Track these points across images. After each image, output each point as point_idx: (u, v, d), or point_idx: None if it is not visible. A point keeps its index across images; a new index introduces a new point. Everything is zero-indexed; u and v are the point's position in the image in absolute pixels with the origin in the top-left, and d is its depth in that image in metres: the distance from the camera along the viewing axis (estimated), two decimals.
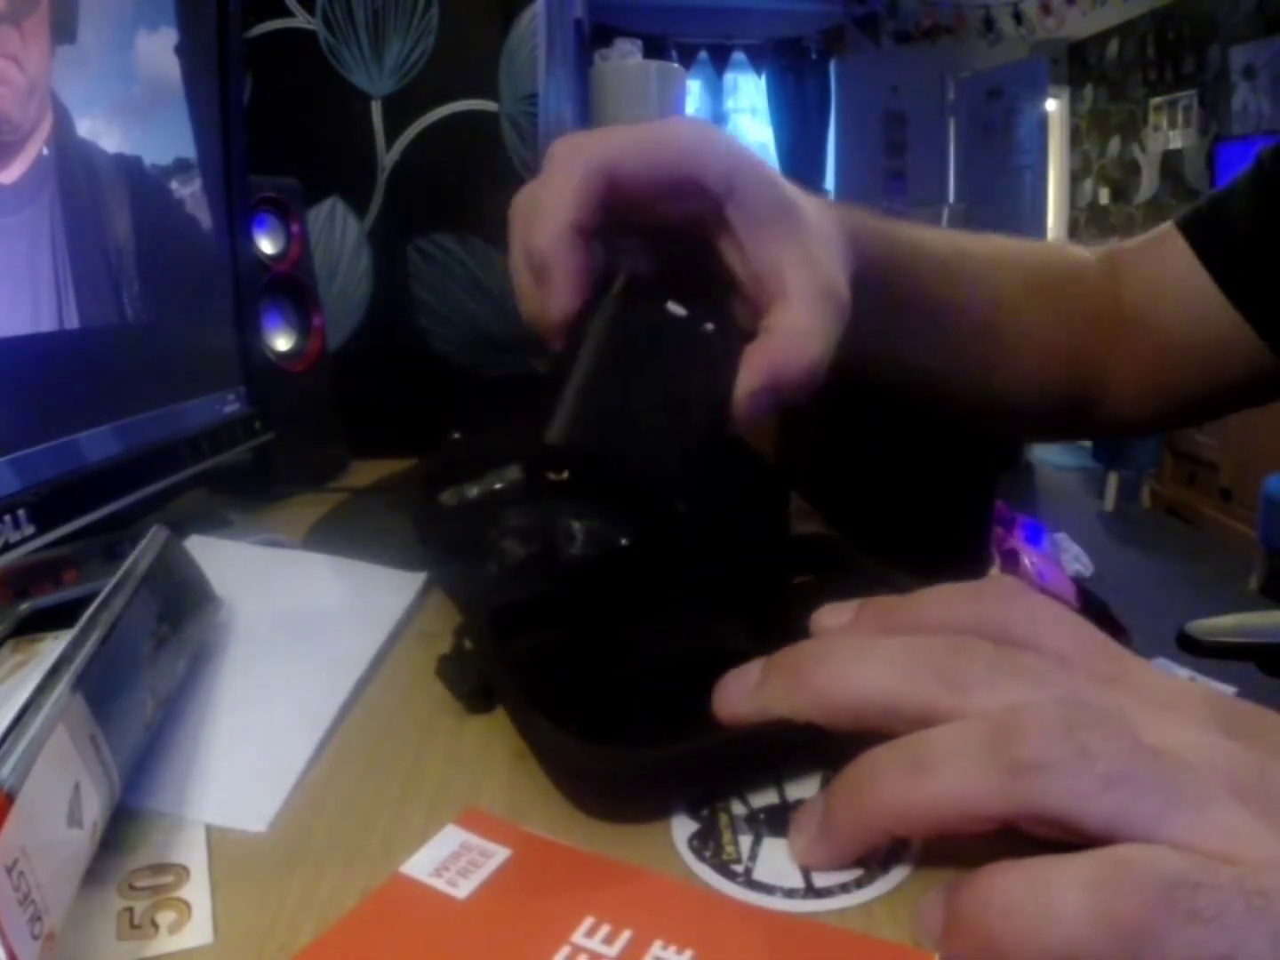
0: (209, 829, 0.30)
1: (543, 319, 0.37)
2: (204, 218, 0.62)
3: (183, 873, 0.28)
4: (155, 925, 0.26)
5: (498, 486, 0.52)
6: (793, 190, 0.39)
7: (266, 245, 0.71)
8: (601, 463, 0.34)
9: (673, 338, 0.36)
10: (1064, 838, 0.23)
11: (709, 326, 0.36)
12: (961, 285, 0.54)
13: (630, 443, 0.34)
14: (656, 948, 0.24)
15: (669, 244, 0.40)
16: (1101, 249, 0.63)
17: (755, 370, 0.35)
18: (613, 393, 0.34)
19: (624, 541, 0.46)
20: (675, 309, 0.36)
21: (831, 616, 0.31)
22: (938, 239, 0.54)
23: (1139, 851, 0.21)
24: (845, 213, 0.43)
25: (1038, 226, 5.34)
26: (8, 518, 0.40)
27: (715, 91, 5.85)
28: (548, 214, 0.35)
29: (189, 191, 0.60)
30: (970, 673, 0.25)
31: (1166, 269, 0.58)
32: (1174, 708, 0.25)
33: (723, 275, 0.38)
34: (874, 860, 0.27)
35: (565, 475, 0.34)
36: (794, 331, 0.36)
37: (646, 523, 0.39)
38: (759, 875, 0.27)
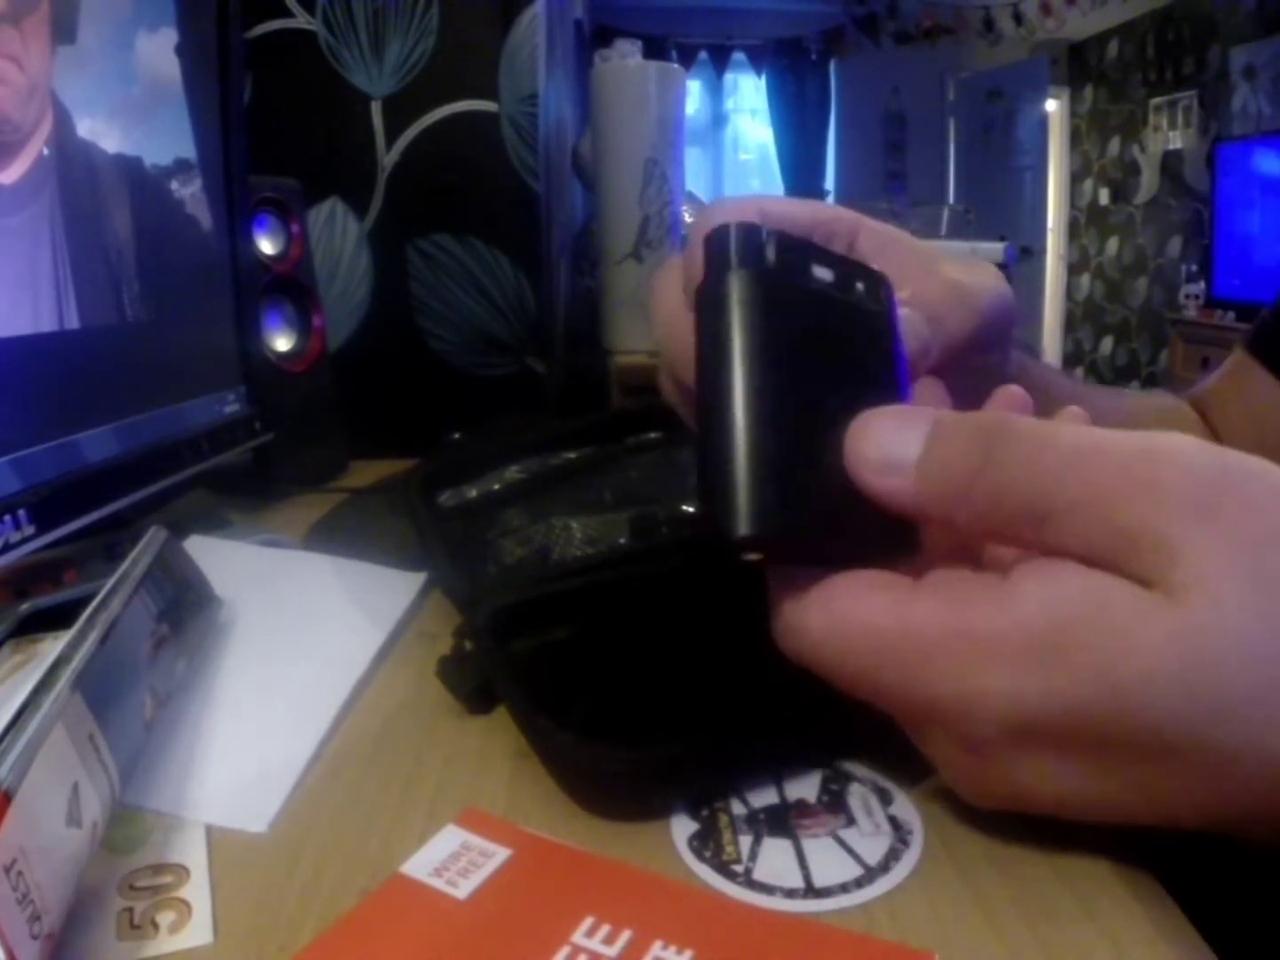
0: (209, 829, 0.30)
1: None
2: (204, 218, 0.62)
3: (183, 873, 0.28)
4: (155, 925, 0.26)
5: (497, 487, 0.52)
6: None
7: (266, 245, 0.71)
8: (809, 536, 0.26)
9: (834, 322, 0.28)
10: None
11: (862, 294, 0.29)
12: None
13: (836, 503, 0.26)
14: (656, 948, 0.24)
15: None
16: (1183, 398, 0.59)
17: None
18: (789, 433, 0.25)
19: (622, 541, 0.46)
20: (821, 273, 0.28)
21: None
22: (1084, 397, 0.52)
23: None
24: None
25: (1038, 226, 5.35)
26: (8, 518, 0.40)
27: (715, 91, 5.85)
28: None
29: (189, 192, 0.60)
30: None
31: (1254, 402, 0.54)
32: None
33: None
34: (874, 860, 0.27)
35: (759, 558, 0.26)
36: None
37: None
38: (759, 875, 0.27)
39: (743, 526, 0.24)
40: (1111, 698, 0.22)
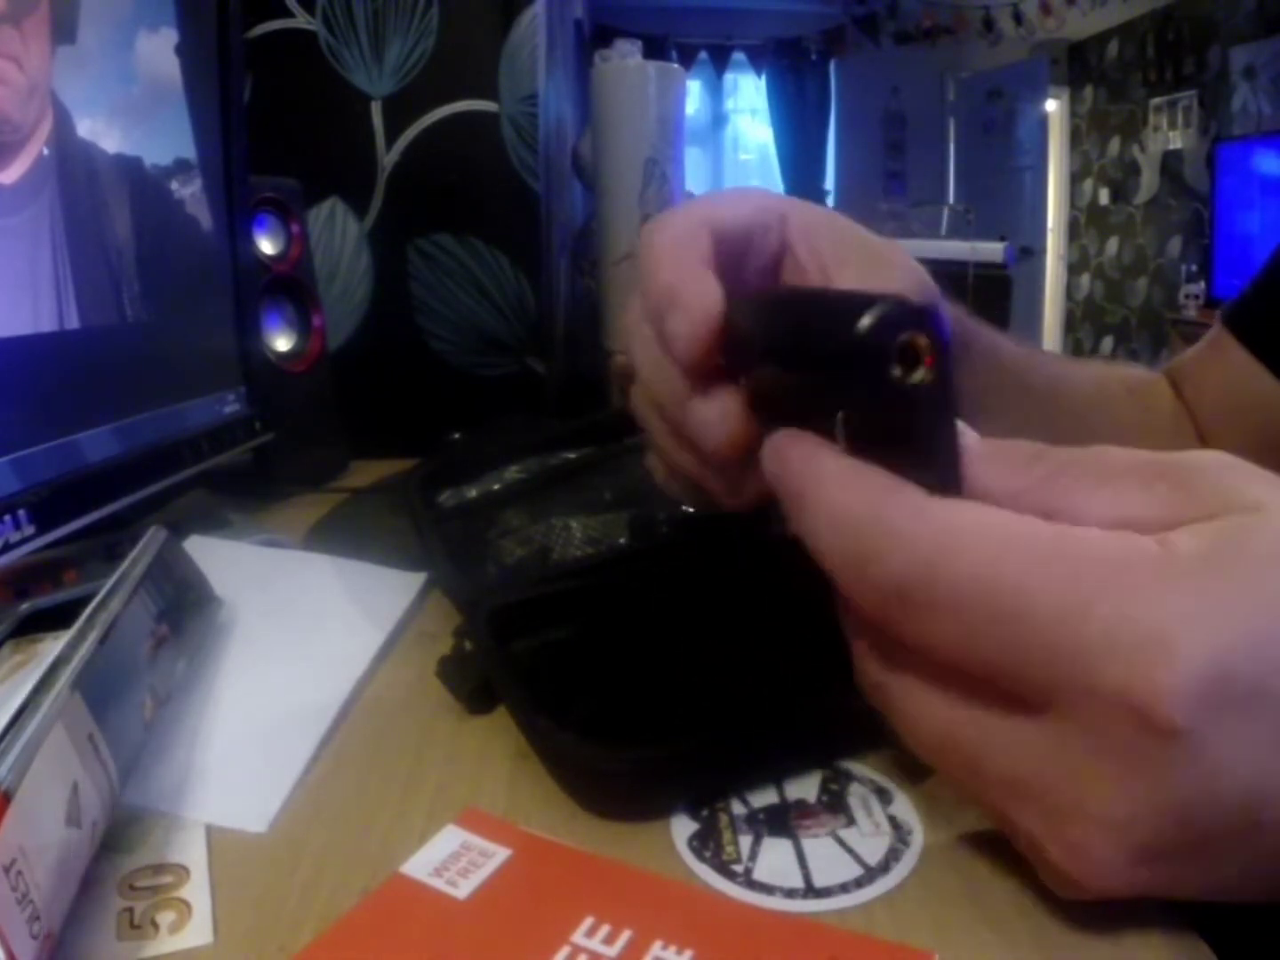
0: (209, 829, 0.30)
1: (679, 341, 0.30)
2: (204, 218, 0.62)
3: (183, 873, 0.28)
4: (155, 925, 0.26)
5: (496, 487, 0.52)
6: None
7: (266, 245, 0.71)
8: None
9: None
10: None
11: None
12: (1064, 415, 0.50)
13: None
14: (656, 948, 0.24)
15: None
16: (1159, 370, 0.59)
17: None
18: None
19: (622, 541, 0.46)
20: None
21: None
22: (1039, 363, 0.51)
23: None
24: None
25: (1038, 226, 5.34)
26: (8, 518, 0.40)
27: (715, 91, 5.85)
28: (666, 255, 0.32)
29: (189, 192, 0.60)
30: None
31: (1230, 372, 0.54)
32: None
33: None
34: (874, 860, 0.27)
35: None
36: None
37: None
38: (759, 875, 0.27)
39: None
40: None
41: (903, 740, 0.26)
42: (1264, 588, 0.21)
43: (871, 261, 0.37)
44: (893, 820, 0.29)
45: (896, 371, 0.22)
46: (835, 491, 0.24)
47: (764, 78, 5.72)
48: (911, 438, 0.24)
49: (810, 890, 0.26)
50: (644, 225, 0.35)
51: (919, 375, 0.22)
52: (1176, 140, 4.47)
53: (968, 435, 0.25)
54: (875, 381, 0.22)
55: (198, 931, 0.25)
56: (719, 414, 0.30)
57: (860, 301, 0.22)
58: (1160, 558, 0.22)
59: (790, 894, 0.26)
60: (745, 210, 0.36)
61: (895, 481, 0.23)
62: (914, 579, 0.22)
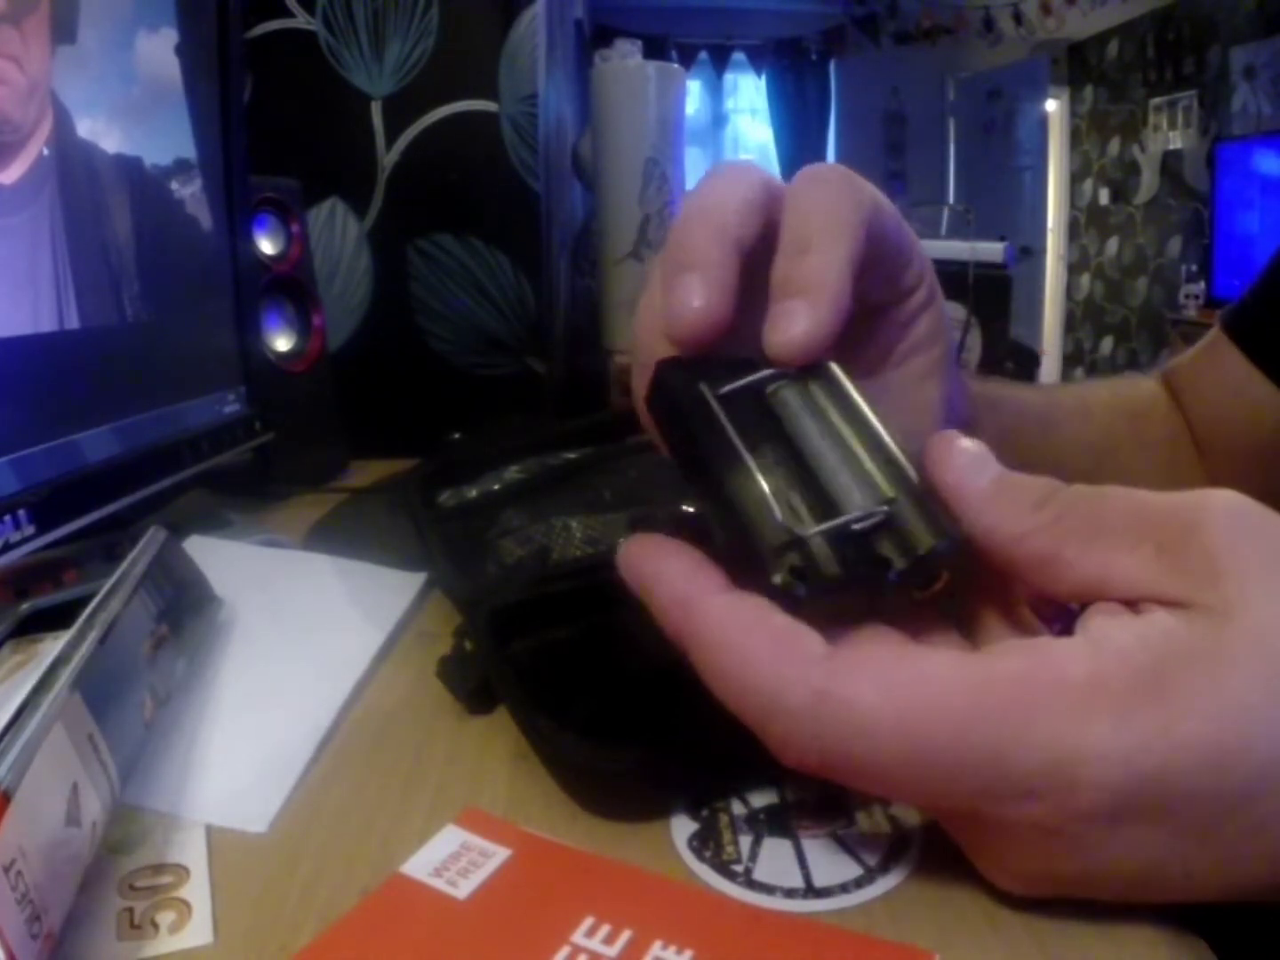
0: (209, 829, 0.30)
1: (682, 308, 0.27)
2: (204, 218, 0.62)
3: (183, 873, 0.28)
4: (155, 925, 0.26)
5: (496, 487, 0.52)
6: None
7: (266, 245, 0.71)
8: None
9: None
10: None
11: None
12: (1057, 435, 0.50)
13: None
14: (656, 948, 0.24)
15: None
16: (1157, 374, 0.59)
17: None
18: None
19: (622, 541, 0.46)
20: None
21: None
22: (1030, 392, 0.51)
23: None
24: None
25: (1038, 226, 5.34)
26: (8, 518, 0.40)
27: (715, 92, 5.85)
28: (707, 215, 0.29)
29: (189, 192, 0.60)
30: None
31: (1226, 376, 0.54)
32: None
33: None
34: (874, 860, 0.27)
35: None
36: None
37: None
38: (759, 875, 0.27)
39: (947, 534, 0.24)
40: (1218, 730, 0.22)
41: None
42: (1182, 722, 0.22)
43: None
44: (893, 820, 0.29)
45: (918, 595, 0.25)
46: (727, 653, 0.24)
47: (764, 78, 5.72)
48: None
49: (810, 890, 0.26)
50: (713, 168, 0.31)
51: (938, 588, 0.25)
52: (1176, 140, 4.47)
53: (985, 473, 0.26)
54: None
55: (198, 931, 0.25)
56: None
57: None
58: (1079, 690, 0.22)
59: (790, 894, 0.26)
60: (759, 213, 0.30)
61: (790, 643, 0.23)
62: (830, 760, 0.23)
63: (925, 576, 0.25)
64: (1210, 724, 0.22)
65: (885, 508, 0.24)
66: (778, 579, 0.23)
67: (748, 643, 0.23)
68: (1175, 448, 0.56)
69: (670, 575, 0.25)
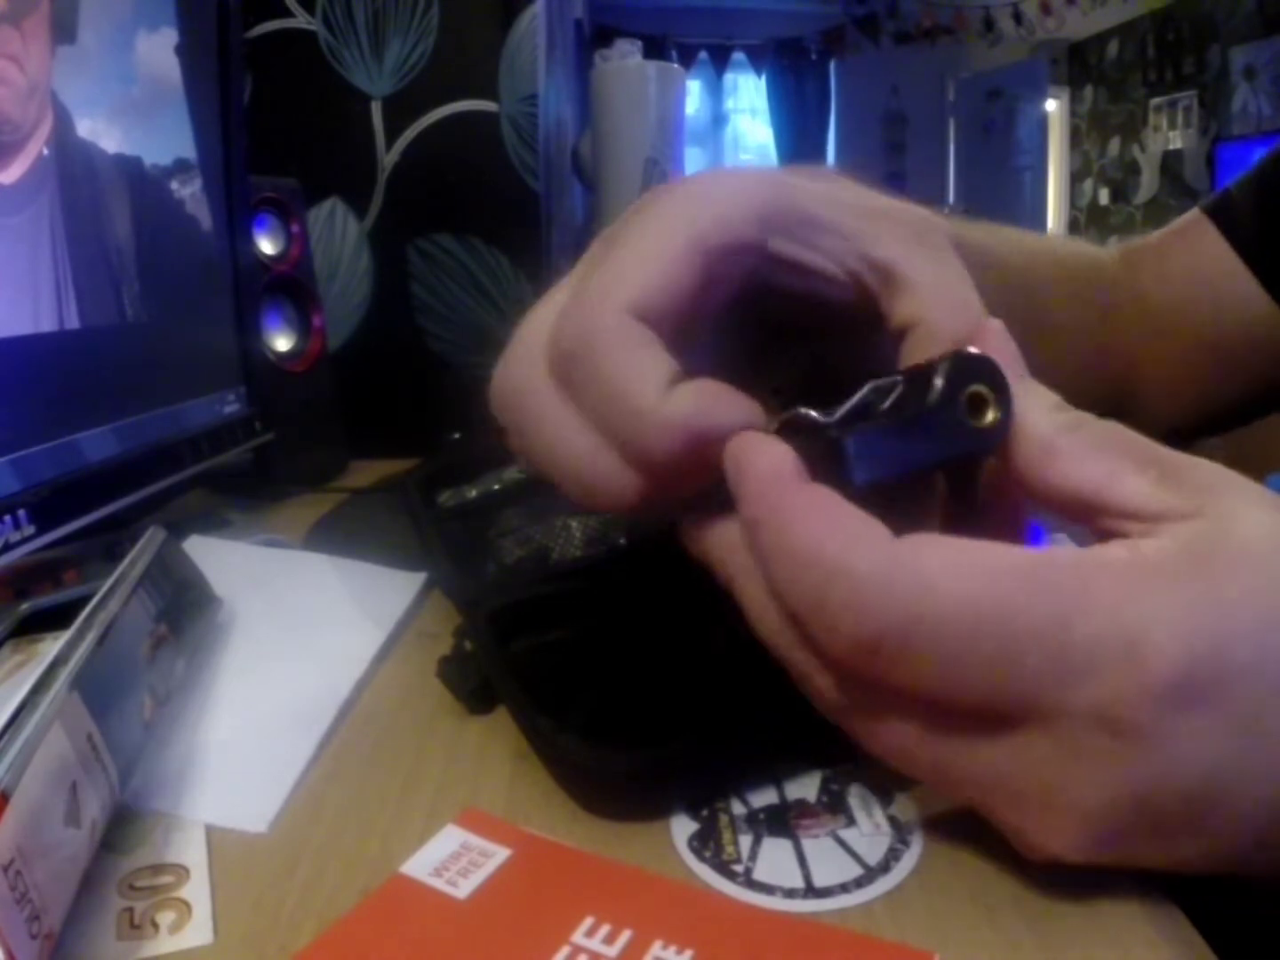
0: (209, 829, 0.30)
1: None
2: (204, 218, 0.62)
3: (183, 873, 0.28)
4: (155, 925, 0.26)
5: (496, 487, 0.52)
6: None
7: (266, 245, 0.71)
8: None
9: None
10: None
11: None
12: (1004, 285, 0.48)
13: None
14: (656, 948, 0.24)
15: None
16: (1115, 247, 0.58)
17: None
18: None
19: (622, 541, 0.46)
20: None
21: None
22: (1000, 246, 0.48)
23: None
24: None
25: (1038, 227, 5.35)
26: (8, 518, 0.40)
27: (715, 92, 5.85)
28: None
29: (189, 192, 0.60)
30: None
31: (1199, 260, 0.53)
32: None
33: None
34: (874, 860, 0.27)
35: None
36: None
37: None
38: (759, 875, 0.27)
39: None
40: (1263, 601, 0.22)
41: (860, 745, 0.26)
42: (1225, 592, 0.23)
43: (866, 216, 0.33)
44: (893, 820, 0.29)
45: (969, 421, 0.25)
46: (802, 527, 0.23)
47: (764, 78, 5.72)
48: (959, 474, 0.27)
49: (810, 890, 0.26)
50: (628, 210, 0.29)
51: (989, 418, 0.25)
52: (1176, 140, 4.47)
53: (1014, 372, 0.26)
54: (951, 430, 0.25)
55: (198, 931, 0.25)
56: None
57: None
58: (1129, 567, 0.23)
59: (790, 894, 0.26)
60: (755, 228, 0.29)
61: (864, 523, 0.23)
62: (892, 631, 0.22)
63: (970, 398, 0.25)
64: (1253, 596, 0.22)
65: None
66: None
67: (826, 514, 0.23)
68: (1116, 326, 0.54)
69: (769, 458, 0.25)
